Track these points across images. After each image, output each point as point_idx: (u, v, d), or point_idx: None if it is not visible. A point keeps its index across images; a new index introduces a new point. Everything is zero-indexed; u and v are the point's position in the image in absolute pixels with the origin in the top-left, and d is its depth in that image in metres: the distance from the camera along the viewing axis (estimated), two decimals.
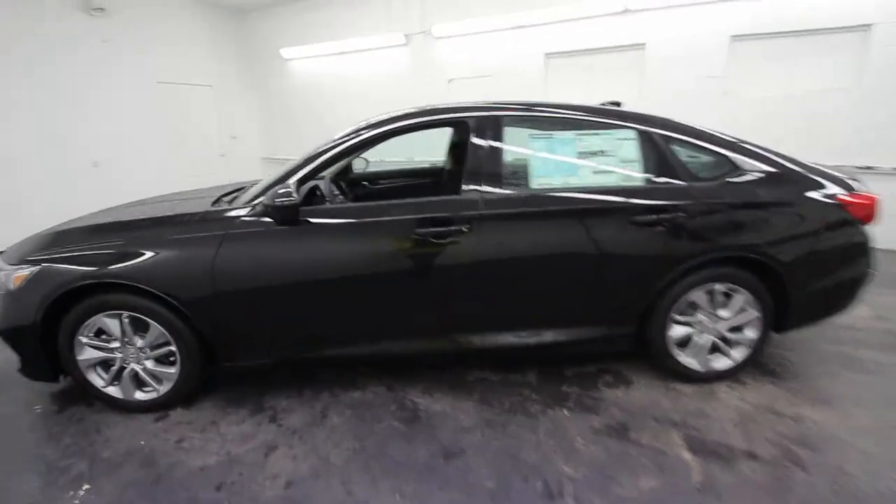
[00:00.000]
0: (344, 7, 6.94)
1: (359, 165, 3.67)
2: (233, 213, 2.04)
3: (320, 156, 2.13)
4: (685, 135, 2.21)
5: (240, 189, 2.60)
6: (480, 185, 2.08)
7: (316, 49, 7.32)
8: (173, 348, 2.09)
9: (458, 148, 3.09)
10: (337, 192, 2.79)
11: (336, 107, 7.46)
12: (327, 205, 2.40)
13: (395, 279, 2.08)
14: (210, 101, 7.57)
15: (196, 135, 7.39)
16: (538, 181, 2.12)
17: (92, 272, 1.95)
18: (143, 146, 6.63)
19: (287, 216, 1.96)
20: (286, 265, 2.02)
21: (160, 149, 6.83)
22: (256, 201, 2.04)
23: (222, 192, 2.57)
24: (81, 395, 2.28)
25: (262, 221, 2.01)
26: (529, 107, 2.23)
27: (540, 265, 2.10)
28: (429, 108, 2.28)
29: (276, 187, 1.95)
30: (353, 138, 2.17)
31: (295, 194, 1.89)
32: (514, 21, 5.84)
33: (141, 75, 6.53)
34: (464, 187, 2.10)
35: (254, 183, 2.49)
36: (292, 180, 2.02)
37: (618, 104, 2.65)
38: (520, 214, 2.07)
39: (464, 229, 2.02)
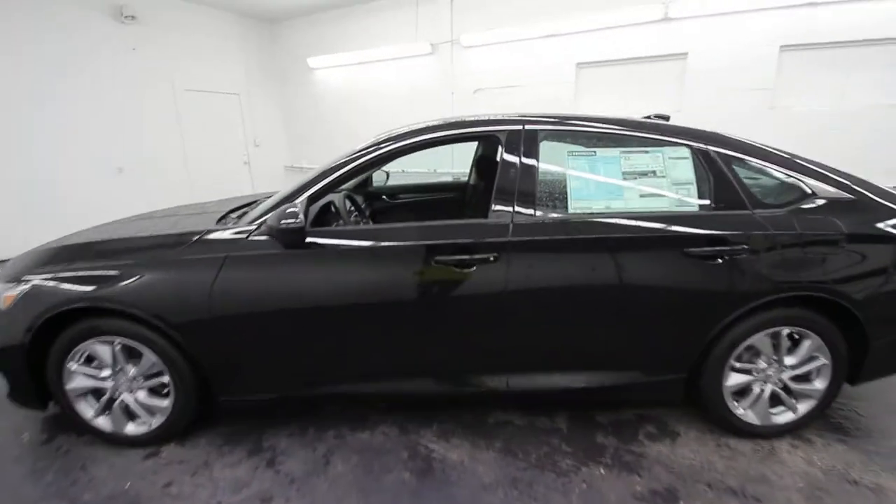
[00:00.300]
0: (371, 17, 6.85)
1: (379, 178, 3.48)
2: (235, 235, 1.85)
3: (336, 171, 1.93)
4: (748, 154, 1.93)
5: (251, 203, 2.42)
6: (511, 208, 1.84)
7: (342, 58, 7.24)
8: (167, 379, 1.91)
9: (486, 164, 2.87)
10: (352, 209, 2.59)
11: (360, 116, 7.36)
12: (340, 225, 2.20)
13: (410, 311, 1.86)
14: (236, 109, 7.57)
15: (221, 143, 7.39)
16: (577, 205, 1.86)
17: (80, 294, 1.79)
18: (168, 153, 6.64)
19: (292, 240, 1.76)
20: (291, 292, 1.82)
21: (185, 156, 6.83)
22: (261, 220, 1.85)
23: (232, 207, 2.40)
24: (72, 424, 2.11)
25: (267, 243, 1.81)
26: (568, 120, 1.98)
27: (577, 300, 1.84)
28: (456, 120, 2.05)
29: (284, 206, 1.76)
30: (372, 152, 1.96)
31: (301, 216, 1.69)
32: (545, 30, 5.61)
33: (168, 83, 6.55)
34: (492, 209, 1.86)
35: (267, 196, 2.31)
36: (301, 198, 1.82)
37: (666, 118, 2.38)
38: (556, 243, 1.81)
39: (491, 258, 1.78)
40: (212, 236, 1.87)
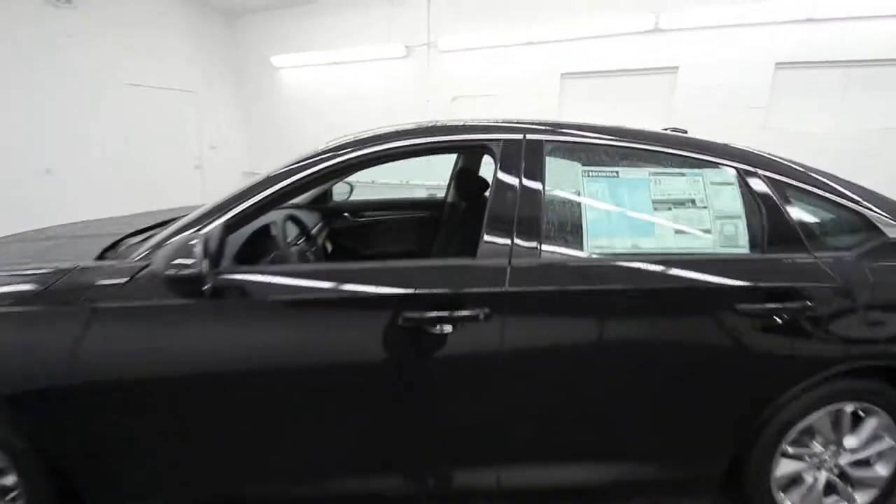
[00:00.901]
0: (341, 15, 6.34)
1: (340, 190, 2.95)
2: (112, 278, 1.28)
3: (268, 187, 1.40)
4: (807, 183, 1.52)
5: (167, 222, 1.85)
6: (508, 244, 1.36)
7: (308, 58, 6.70)
8: (11, 480, 1.32)
9: (468, 179, 2.40)
10: (298, 235, 2.05)
11: (328, 120, 6.77)
12: (278, 255, 1.67)
13: (367, 387, 1.34)
14: (190, 108, 6.87)
15: (170, 144, 6.66)
16: (596, 243, 1.39)
17: None
18: (106, 154, 5.86)
19: (189, 290, 1.22)
20: (193, 359, 1.27)
21: (126, 157, 6.07)
22: (147, 258, 1.29)
23: (136, 228, 1.82)
24: None
25: (158, 289, 1.26)
26: (582, 130, 1.53)
27: (593, 373, 1.37)
28: (438, 125, 1.56)
29: (182, 238, 1.21)
30: (322, 163, 1.45)
31: (201, 255, 1.15)
32: (529, 36, 5.24)
33: (110, 75, 5.81)
34: (483, 244, 1.37)
35: (189, 210, 1.74)
36: (212, 227, 1.27)
37: (683, 132, 1.97)
38: (568, 296, 1.33)
39: (480, 316, 1.28)
40: (81, 278, 1.30)
